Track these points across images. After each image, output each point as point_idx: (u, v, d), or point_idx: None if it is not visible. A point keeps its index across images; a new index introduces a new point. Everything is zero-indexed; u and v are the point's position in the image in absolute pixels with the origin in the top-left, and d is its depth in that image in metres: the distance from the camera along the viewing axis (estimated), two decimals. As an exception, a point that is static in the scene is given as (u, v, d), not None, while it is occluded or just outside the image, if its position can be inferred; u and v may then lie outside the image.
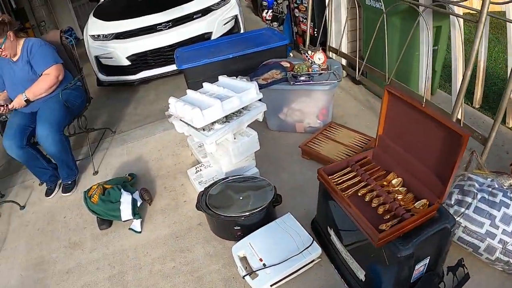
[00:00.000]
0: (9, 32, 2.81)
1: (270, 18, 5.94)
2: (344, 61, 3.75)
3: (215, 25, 4.48)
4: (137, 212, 2.57)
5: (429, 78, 2.78)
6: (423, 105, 1.61)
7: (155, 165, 3.19)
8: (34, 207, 3.08)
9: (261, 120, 2.55)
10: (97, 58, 4.52)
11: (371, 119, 3.23)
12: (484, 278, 1.91)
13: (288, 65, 3.09)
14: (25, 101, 2.88)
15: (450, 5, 2.37)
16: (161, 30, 4.38)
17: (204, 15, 4.51)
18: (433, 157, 1.66)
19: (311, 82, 2.85)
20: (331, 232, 2.02)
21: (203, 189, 2.45)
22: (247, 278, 1.98)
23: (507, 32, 2.75)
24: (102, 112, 4.48)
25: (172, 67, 4.37)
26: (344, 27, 3.55)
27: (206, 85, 2.66)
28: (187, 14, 4.44)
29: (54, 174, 3.14)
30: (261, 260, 2.01)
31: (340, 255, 2.00)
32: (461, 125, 2.45)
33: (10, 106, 2.87)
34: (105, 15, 4.73)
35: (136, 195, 2.68)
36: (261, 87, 2.70)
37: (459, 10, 2.39)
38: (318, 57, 3.01)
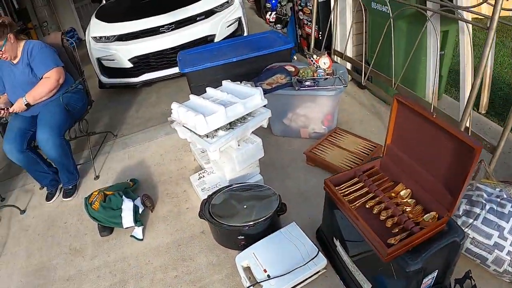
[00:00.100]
0: (10, 34, 2.77)
1: (273, 20, 5.90)
2: (349, 65, 3.70)
3: (218, 27, 4.44)
4: (139, 219, 2.53)
5: (437, 85, 2.73)
6: (434, 116, 1.56)
7: (157, 170, 3.15)
8: (35, 211, 3.04)
9: (265, 127, 2.51)
10: (99, 60, 4.48)
11: (377, 124, 3.18)
12: (491, 290, 1.87)
13: (293, 69, 3.05)
14: (25, 105, 2.85)
15: (459, 10, 2.32)
16: (164, 32, 4.33)
17: (208, 17, 4.46)
18: (443, 169, 1.62)
19: (316, 87, 2.80)
20: (337, 243, 1.98)
21: (206, 196, 2.41)
22: (251, 289, 1.94)
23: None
24: (103, 114, 4.44)
25: (175, 70, 4.33)
26: (350, 31, 3.51)
27: (209, 90, 2.61)
28: (190, 16, 4.39)
29: (54, 179, 3.10)
30: (265, 271, 1.97)
31: (346, 266, 1.95)
32: (469, 133, 2.40)
33: (10, 110, 2.84)
34: (107, 16, 4.69)
35: (138, 201, 2.64)
36: (265, 92, 2.66)
37: (468, 16, 2.35)
38: (324, 62, 2.97)
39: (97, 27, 4.54)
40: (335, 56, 3.77)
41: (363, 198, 1.78)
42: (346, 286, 1.97)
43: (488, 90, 3.11)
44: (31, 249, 2.69)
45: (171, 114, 2.49)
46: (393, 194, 1.78)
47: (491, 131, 2.99)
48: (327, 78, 2.89)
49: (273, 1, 5.86)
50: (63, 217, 2.90)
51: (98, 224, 2.58)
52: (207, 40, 4.43)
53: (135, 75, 4.50)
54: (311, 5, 4.03)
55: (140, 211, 2.58)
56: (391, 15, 2.80)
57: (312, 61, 3.05)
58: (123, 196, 2.56)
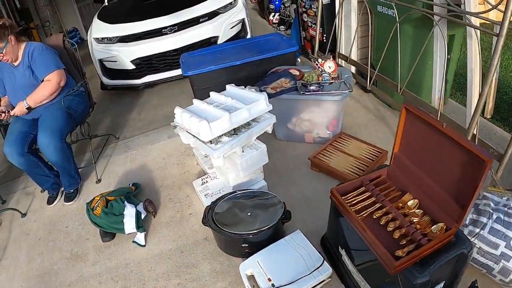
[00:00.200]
0: (10, 36, 2.74)
1: (277, 21, 5.86)
2: (353, 69, 3.67)
3: (222, 29, 4.40)
4: (141, 225, 2.50)
5: (443, 91, 2.69)
6: (444, 125, 1.53)
7: (160, 175, 3.12)
8: (36, 215, 3.02)
9: (270, 132, 2.48)
10: (101, 61, 4.46)
11: (381, 129, 3.15)
12: (497, 300, 1.84)
13: (298, 73, 3.02)
14: (26, 108, 2.82)
15: (467, 15, 2.29)
16: (167, 33, 4.29)
17: (211, 18, 4.42)
18: (452, 180, 1.59)
19: (321, 92, 2.77)
20: (343, 252, 1.95)
21: (209, 202, 2.38)
22: (256, 299, 1.92)
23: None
24: (105, 116, 4.41)
25: (178, 72, 4.29)
26: (355, 34, 3.47)
27: (213, 94, 2.58)
28: (194, 18, 4.35)
29: (56, 182, 3.07)
30: (269, 280, 1.94)
31: (351, 276, 1.92)
32: (476, 141, 2.37)
33: (11, 113, 2.81)
34: (109, 17, 4.66)
35: (140, 207, 2.61)
36: (269, 96, 2.63)
37: (475, 21, 2.31)
38: (329, 66, 2.94)
39: (99, 28, 4.51)
40: (340, 59, 3.73)
41: (370, 208, 1.75)
42: (351, 296, 1.94)
43: (494, 94, 3.07)
44: (32, 254, 2.67)
45: (174, 119, 2.46)
46: (400, 204, 1.75)
47: (497, 136, 2.96)
48: (332, 82, 2.86)
49: (277, 2, 5.82)
50: (65, 221, 2.87)
51: (100, 229, 2.55)
52: (210, 41, 4.40)
53: (137, 77, 4.46)
54: (315, 7, 3.99)
55: (143, 216, 2.56)
56: (397, 19, 2.77)
57: (317, 64, 3.01)
58: (125, 202, 2.54)
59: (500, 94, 3.59)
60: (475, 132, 2.36)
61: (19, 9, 7.03)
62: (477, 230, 1.86)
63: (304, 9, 4.29)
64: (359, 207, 1.76)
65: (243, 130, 2.30)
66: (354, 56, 3.60)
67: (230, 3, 4.55)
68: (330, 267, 1.98)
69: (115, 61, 4.37)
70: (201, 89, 3.35)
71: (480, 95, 2.13)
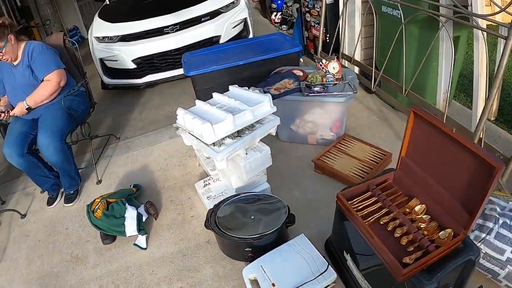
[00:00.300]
0: (10, 35, 2.71)
1: (279, 21, 5.83)
2: (356, 69, 3.63)
3: (224, 28, 4.36)
4: (142, 227, 2.47)
5: (449, 93, 2.66)
6: (454, 131, 1.50)
7: (161, 176, 3.09)
8: (35, 216, 2.99)
9: (274, 134, 2.44)
10: (101, 60, 4.42)
11: (385, 131, 3.12)
12: (503, 306, 1.82)
13: (301, 74, 2.98)
14: (26, 109, 2.79)
15: (474, 17, 2.25)
16: (168, 33, 4.26)
17: (213, 18, 4.38)
18: (460, 185, 1.56)
19: (325, 93, 2.73)
20: (348, 257, 1.92)
21: (211, 205, 2.35)
22: (259, 304, 1.89)
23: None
24: (106, 116, 4.38)
25: (179, 71, 4.26)
26: (359, 35, 3.43)
27: (216, 95, 2.54)
28: (195, 17, 4.31)
29: (56, 183, 3.04)
30: (273, 285, 1.90)
31: (356, 281, 1.89)
32: (482, 144, 2.34)
33: (11, 113, 2.78)
34: (110, 16, 4.62)
35: (142, 209, 2.57)
36: (273, 97, 2.59)
37: (482, 23, 2.27)
38: (333, 66, 2.90)
39: (100, 27, 4.47)
40: (343, 59, 3.70)
41: (377, 214, 1.72)
42: (357, 301, 1.91)
43: (498, 96, 3.04)
44: (31, 256, 2.63)
45: (177, 120, 2.42)
46: (407, 210, 1.72)
47: (501, 139, 2.93)
48: (336, 83, 2.83)
49: (279, 2, 5.79)
50: (65, 223, 2.84)
51: (101, 232, 2.51)
52: (212, 41, 4.36)
53: (138, 76, 4.43)
54: (318, 7, 3.96)
55: (144, 219, 2.52)
56: (403, 20, 2.73)
57: (321, 65, 2.98)
58: (126, 204, 2.50)
59: (503, 96, 3.56)
60: (481, 136, 2.33)
61: (20, 7, 6.97)
62: (483, 235, 1.84)
63: (307, 9, 4.25)
64: (366, 212, 1.73)
65: (246, 132, 2.26)
66: (357, 56, 3.57)
67: (232, 3, 4.51)
68: (335, 272, 1.95)
69: (116, 60, 4.33)
70: (203, 89, 3.32)
71: (488, 98, 2.10)
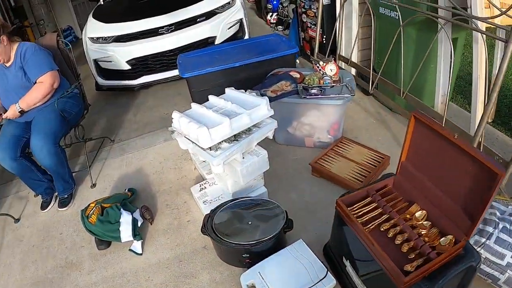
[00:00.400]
0: (2, 36, 2.66)
1: (274, 21, 5.80)
2: (353, 71, 3.61)
3: (219, 29, 4.32)
4: (138, 232, 2.43)
5: (448, 96, 2.64)
6: (456, 136, 1.48)
7: (156, 179, 3.05)
8: (29, 220, 2.94)
9: (271, 138, 2.41)
10: (96, 61, 4.36)
11: (382, 133, 3.10)
12: (504, 311, 1.80)
13: (298, 75, 2.95)
14: (19, 111, 2.74)
15: (473, 19, 2.23)
16: (163, 33, 4.20)
17: (208, 18, 4.33)
18: (461, 191, 1.54)
19: (323, 96, 2.70)
20: (347, 263, 1.89)
21: (208, 209, 2.31)
22: (257, 311, 1.86)
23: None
24: (100, 117, 4.33)
25: (174, 73, 4.20)
26: (356, 37, 3.41)
27: (212, 98, 2.51)
28: (191, 17, 4.26)
29: (49, 187, 2.99)
30: (271, 291, 1.88)
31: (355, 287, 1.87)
32: (481, 148, 2.33)
33: (3, 116, 2.74)
34: (105, 16, 4.56)
35: (137, 213, 2.53)
36: (270, 100, 2.55)
37: (482, 25, 2.25)
38: (330, 68, 2.87)
39: (94, 27, 4.42)
40: (340, 61, 3.67)
41: (377, 220, 1.69)
42: (356, 308, 1.88)
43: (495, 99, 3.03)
44: (25, 261, 2.59)
45: (172, 124, 2.38)
46: (408, 216, 1.70)
47: (499, 141, 2.92)
48: (333, 85, 2.80)
49: (275, 2, 5.75)
50: (59, 228, 2.80)
51: (95, 237, 2.47)
52: (208, 42, 4.31)
53: (133, 78, 4.37)
54: (315, 8, 3.93)
55: (139, 224, 2.48)
56: (401, 22, 2.71)
57: (318, 67, 2.95)
58: (121, 209, 2.46)
59: (500, 97, 3.56)
60: (480, 140, 2.31)
61: (14, 7, 6.90)
62: (483, 240, 1.83)
63: (303, 10, 4.22)
64: (366, 218, 1.70)
65: (243, 136, 2.23)
66: (354, 58, 3.54)
67: (228, 3, 4.46)
68: (334, 279, 1.92)
69: (110, 61, 4.27)
70: (198, 91, 3.28)
71: (487, 103, 2.08)
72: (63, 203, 2.94)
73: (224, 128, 2.11)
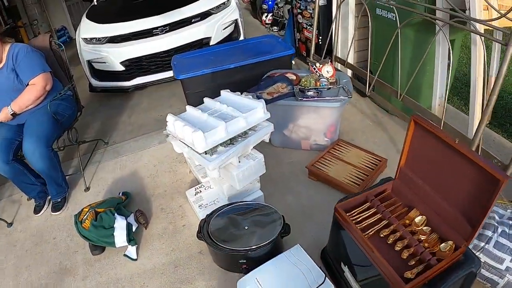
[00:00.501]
0: None
1: (270, 22, 5.76)
2: (349, 72, 3.58)
3: (214, 29, 4.28)
4: (132, 237, 2.39)
5: (445, 98, 2.62)
6: (457, 141, 1.45)
7: (151, 183, 3.01)
8: (22, 224, 2.89)
9: (267, 141, 2.38)
10: (89, 62, 4.31)
11: (379, 135, 3.07)
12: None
13: (294, 77, 2.93)
14: (11, 114, 2.69)
15: (472, 21, 2.21)
16: (158, 34, 4.16)
17: (203, 19, 4.30)
18: (462, 196, 1.52)
19: (320, 98, 2.68)
20: (345, 269, 1.86)
21: (203, 213, 2.28)
22: (255, 319, 1.82)
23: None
24: (94, 119, 4.28)
25: (169, 74, 4.17)
26: (352, 38, 3.38)
27: (207, 101, 2.47)
28: (185, 18, 4.23)
29: (43, 190, 2.94)
30: (269, 298, 1.85)
31: (354, 293, 1.85)
32: (480, 151, 2.31)
33: (-5, 119, 2.69)
34: (98, 17, 4.51)
35: (131, 218, 2.49)
36: (266, 102, 2.52)
37: (480, 27, 2.23)
38: (327, 70, 2.85)
39: (88, 28, 4.37)
40: (336, 62, 3.65)
41: (376, 226, 1.66)
42: (354, 314, 1.86)
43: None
44: (19, 267, 2.54)
45: (167, 127, 2.34)
46: (407, 221, 1.68)
47: (496, 143, 2.91)
48: (330, 87, 2.77)
49: (270, 3, 5.72)
50: (52, 232, 2.75)
51: (89, 242, 2.43)
52: (203, 43, 4.28)
53: (127, 79, 4.33)
54: (311, 9, 3.90)
55: (134, 228, 2.44)
56: (398, 23, 2.68)
57: (314, 69, 2.92)
58: (116, 214, 2.42)
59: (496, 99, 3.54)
60: (479, 143, 2.30)
61: (7, 7, 6.83)
62: (482, 244, 1.81)
63: (299, 10, 4.19)
64: (365, 224, 1.67)
65: (239, 139, 2.19)
66: (351, 59, 3.52)
67: (223, 3, 4.43)
68: (332, 285, 1.90)
69: (104, 62, 4.23)
70: (193, 93, 3.25)
71: (486, 106, 2.06)
72: (57, 207, 2.89)
73: (219, 131, 2.08)
